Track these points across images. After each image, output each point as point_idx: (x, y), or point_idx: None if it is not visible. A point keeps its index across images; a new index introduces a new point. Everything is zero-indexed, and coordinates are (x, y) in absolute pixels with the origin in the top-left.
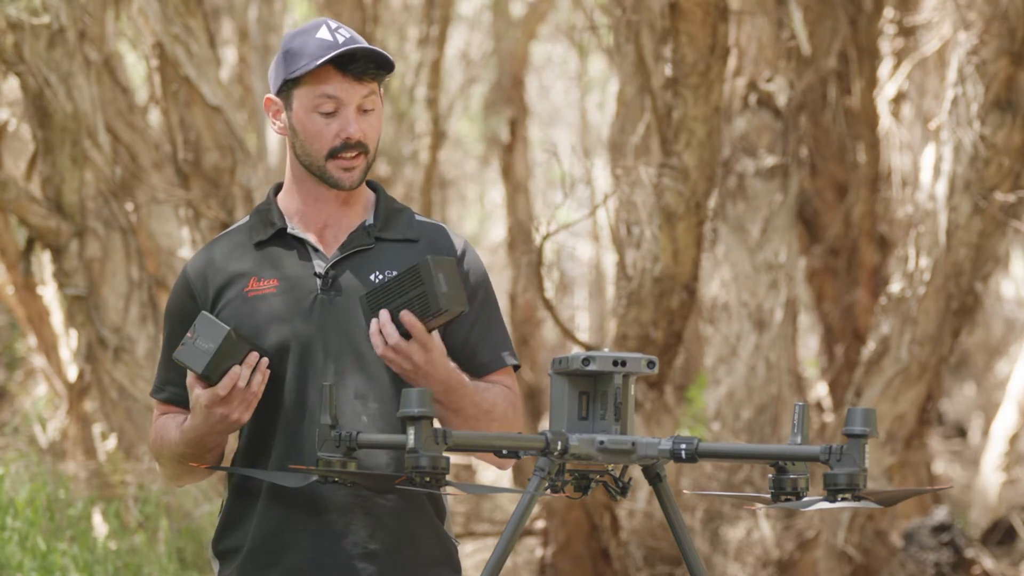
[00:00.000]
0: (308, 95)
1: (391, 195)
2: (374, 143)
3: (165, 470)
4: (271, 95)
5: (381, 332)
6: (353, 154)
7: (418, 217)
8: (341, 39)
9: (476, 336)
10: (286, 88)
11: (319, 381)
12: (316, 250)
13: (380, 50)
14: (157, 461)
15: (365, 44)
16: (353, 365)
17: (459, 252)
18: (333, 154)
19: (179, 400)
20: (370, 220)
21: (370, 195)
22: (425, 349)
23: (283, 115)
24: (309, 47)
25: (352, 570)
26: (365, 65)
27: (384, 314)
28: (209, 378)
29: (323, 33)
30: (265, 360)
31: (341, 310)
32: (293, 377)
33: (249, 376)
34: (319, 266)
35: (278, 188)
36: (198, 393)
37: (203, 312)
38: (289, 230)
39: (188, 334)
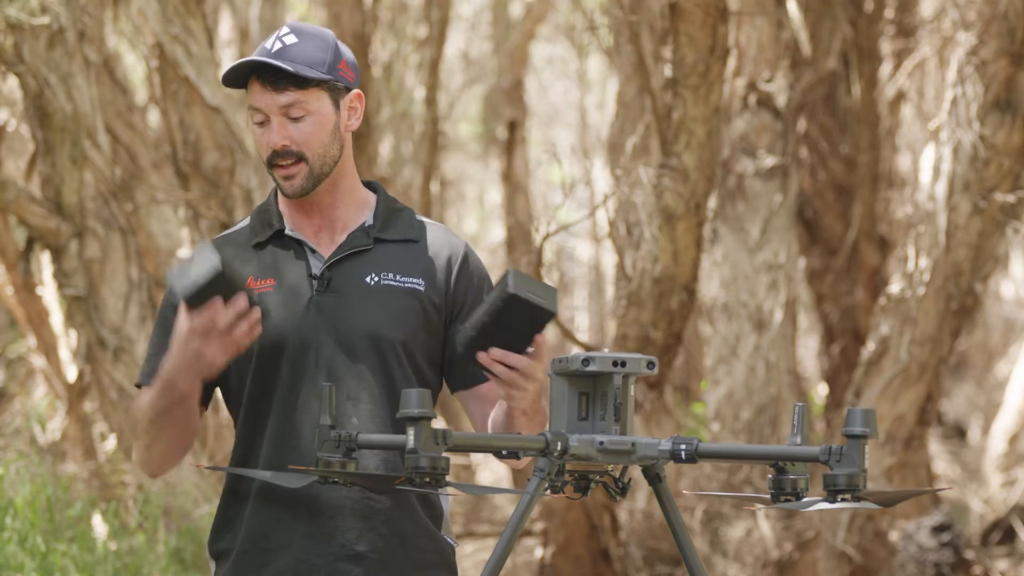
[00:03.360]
0: (249, 107)
1: (392, 195)
2: (312, 148)
3: (140, 444)
4: None
5: (505, 364)
6: (288, 162)
7: (419, 217)
8: (276, 46)
9: None
10: None
11: (311, 381)
12: (313, 251)
13: (284, 65)
14: (134, 438)
15: (297, 52)
16: (345, 366)
17: (462, 254)
18: (271, 164)
19: None
20: (369, 221)
21: (370, 196)
22: (543, 364)
23: None
24: (233, 66)
25: (339, 572)
26: (275, 75)
27: (495, 351)
28: (191, 304)
29: (268, 41)
30: (257, 311)
31: (336, 311)
32: (286, 377)
33: (233, 320)
34: (315, 267)
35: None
36: (180, 320)
37: (208, 240)
38: (287, 231)
39: (185, 257)
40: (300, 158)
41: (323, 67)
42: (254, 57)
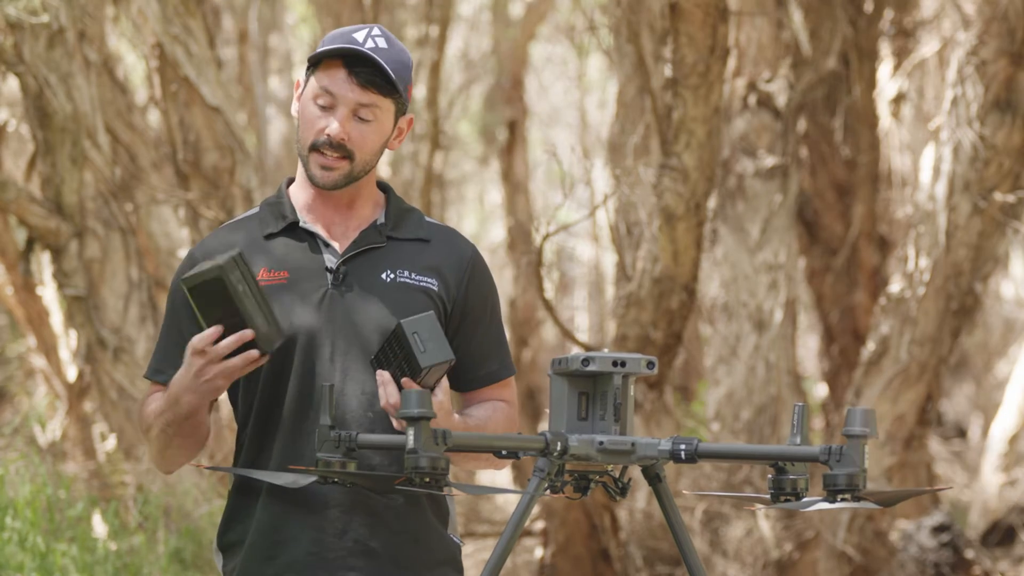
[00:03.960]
0: (315, 83)
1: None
2: (362, 153)
3: (152, 448)
4: (299, 78)
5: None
6: (335, 155)
7: (427, 219)
8: (370, 44)
9: (486, 347)
10: (309, 70)
11: (325, 376)
12: (328, 245)
13: (387, 68)
14: (146, 439)
15: (390, 58)
16: (360, 362)
17: (473, 259)
18: (315, 147)
19: None
20: (381, 219)
21: (380, 195)
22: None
23: (299, 96)
24: (338, 40)
25: (351, 567)
26: (370, 73)
27: (384, 374)
28: (190, 294)
29: (360, 34)
30: (254, 353)
31: (351, 306)
32: (298, 370)
33: (230, 348)
34: (330, 261)
35: (290, 181)
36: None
37: (238, 249)
38: (301, 224)
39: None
40: (347, 156)
41: (402, 83)
42: (359, 48)
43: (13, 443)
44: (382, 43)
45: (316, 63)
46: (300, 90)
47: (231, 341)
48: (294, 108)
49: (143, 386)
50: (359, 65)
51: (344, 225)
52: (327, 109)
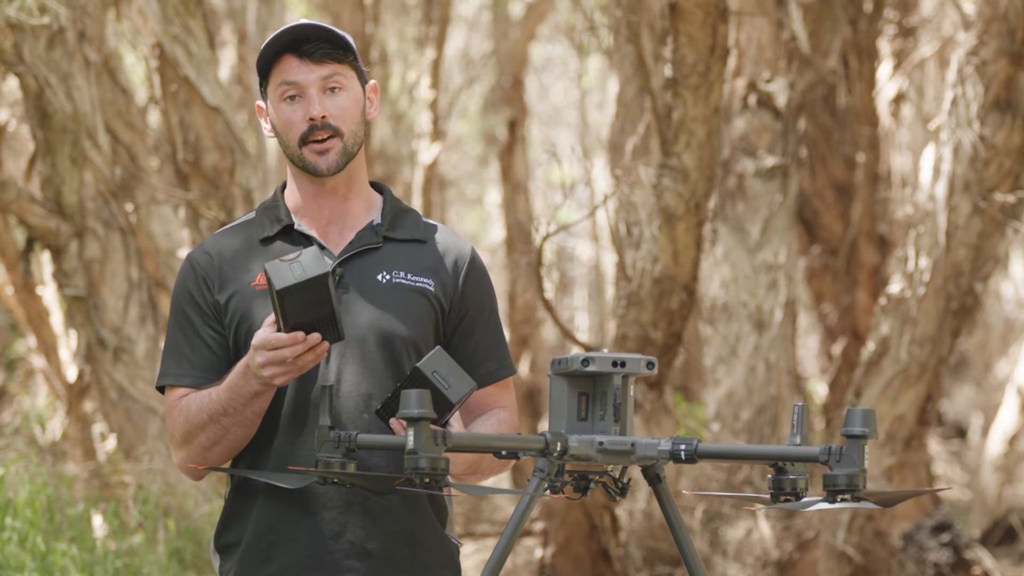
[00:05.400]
0: (274, 87)
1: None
2: (348, 124)
3: (194, 446)
4: (259, 102)
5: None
6: (324, 136)
7: (425, 219)
8: (304, 27)
9: (484, 346)
10: (263, 88)
11: (322, 378)
12: (323, 247)
13: (327, 26)
14: (183, 444)
15: (330, 32)
16: (358, 364)
17: (469, 257)
18: (304, 140)
19: (205, 384)
20: (377, 220)
21: (376, 196)
22: None
23: (268, 116)
24: (271, 43)
25: (347, 568)
26: (318, 45)
27: (401, 422)
28: (283, 297)
29: (283, 29)
30: (325, 346)
31: (347, 307)
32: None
33: (301, 351)
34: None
35: (284, 186)
36: (257, 334)
37: (315, 247)
38: (296, 227)
39: (290, 256)
40: (335, 133)
41: (351, 49)
42: (296, 25)
43: (13, 443)
44: (316, 25)
45: (266, 74)
46: (264, 111)
47: (304, 348)
48: (266, 130)
49: (143, 386)
50: (304, 44)
51: (340, 225)
52: (296, 99)
